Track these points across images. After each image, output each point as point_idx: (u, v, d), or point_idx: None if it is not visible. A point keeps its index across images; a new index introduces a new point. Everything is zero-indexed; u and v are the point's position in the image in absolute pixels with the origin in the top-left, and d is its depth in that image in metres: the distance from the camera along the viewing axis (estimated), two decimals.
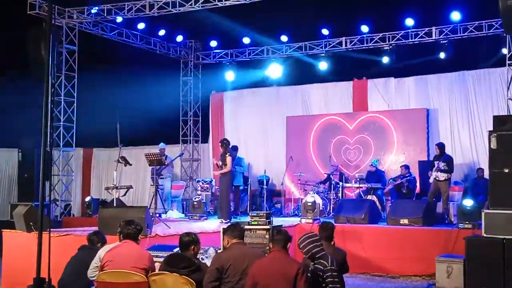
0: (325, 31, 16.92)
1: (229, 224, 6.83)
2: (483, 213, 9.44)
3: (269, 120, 18.32)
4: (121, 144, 14.74)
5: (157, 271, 6.34)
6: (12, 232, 10.78)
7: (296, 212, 14.79)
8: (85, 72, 16.40)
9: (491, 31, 14.83)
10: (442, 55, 15.44)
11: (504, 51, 13.23)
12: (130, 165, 14.57)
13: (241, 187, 15.29)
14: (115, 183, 13.34)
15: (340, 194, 14.60)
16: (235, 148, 14.64)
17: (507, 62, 12.58)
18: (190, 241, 6.52)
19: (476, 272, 9.16)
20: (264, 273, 5.68)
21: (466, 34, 15.24)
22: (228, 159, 12.90)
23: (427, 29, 15.70)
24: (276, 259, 5.82)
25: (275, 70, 17.67)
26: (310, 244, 6.06)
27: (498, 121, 9.80)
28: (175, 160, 15.47)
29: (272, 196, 16.56)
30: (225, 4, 14.24)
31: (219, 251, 6.76)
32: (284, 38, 17.49)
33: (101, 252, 6.79)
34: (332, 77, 17.35)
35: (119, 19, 15.83)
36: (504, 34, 12.95)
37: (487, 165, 9.98)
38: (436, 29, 15.57)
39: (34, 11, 14.67)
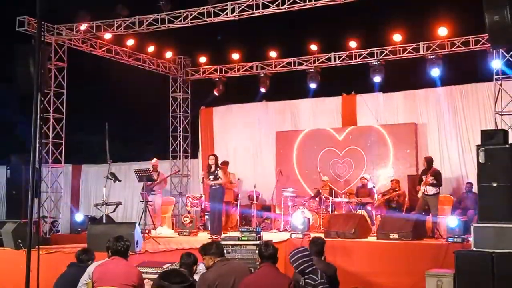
0: (313, 47, 17.01)
1: (206, 243, 6.75)
2: (472, 227, 9.48)
3: (258, 135, 18.36)
4: (110, 160, 14.68)
5: None
6: (0, 250, 10.71)
7: (286, 227, 14.77)
8: (74, 89, 16.38)
9: (478, 46, 14.97)
10: (430, 70, 15.51)
11: (491, 65, 13.33)
12: (119, 181, 14.53)
13: (232, 202, 15.28)
14: (104, 200, 13.30)
15: (330, 209, 14.59)
16: (225, 163, 14.64)
17: (494, 76, 12.66)
18: (194, 261, 6.58)
19: (465, 286, 9.18)
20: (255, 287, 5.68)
21: (453, 49, 15.36)
22: (221, 172, 12.94)
23: (414, 44, 15.81)
24: (266, 274, 5.82)
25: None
26: (301, 259, 6.07)
27: (486, 135, 9.88)
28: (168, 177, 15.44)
29: (262, 211, 16.53)
30: (214, 20, 14.30)
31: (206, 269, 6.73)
32: (273, 53, 17.57)
33: (90, 269, 6.75)
34: (321, 92, 17.41)
35: (108, 36, 15.85)
36: (491, 49, 13.06)
37: (476, 179, 10.02)
38: (423, 44, 15.69)
39: (22, 28, 14.67)
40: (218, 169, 13.01)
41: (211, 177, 13.00)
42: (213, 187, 13.02)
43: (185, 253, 6.78)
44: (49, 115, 15.80)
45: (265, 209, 16.71)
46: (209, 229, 13.88)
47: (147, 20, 14.88)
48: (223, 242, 9.25)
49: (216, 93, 18.55)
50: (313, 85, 17.08)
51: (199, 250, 6.59)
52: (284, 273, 6.43)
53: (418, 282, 10.29)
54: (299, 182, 16.87)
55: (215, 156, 13.33)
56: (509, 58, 12.20)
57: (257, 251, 9.13)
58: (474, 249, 9.28)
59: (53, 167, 16.27)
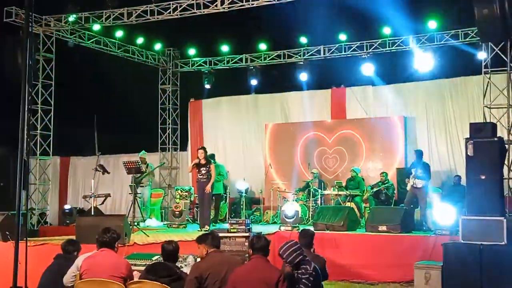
0: (303, 40, 17.01)
1: (204, 233, 6.80)
2: (460, 220, 9.52)
3: (247, 127, 18.34)
4: (99, 152, 14.63)
5: (136, 280, 6.30)
6: None
7: (275, 219, 14.79)
8: (62, 80, 16.28)
9: (467, 39, 15.02)
10: (418, 63, 15.53)
11: (480, 59, 13.39)
12: (108, 173, 14.48)
13: (222, 195, 15.25)
14: (92, 192, 13.25)
15: (319, 201, 14.62)
16: (212, 156, 14.63)
17: (483, 70, 12.72)
18: (174, 249, 6.55)
19: (453, 278, 9.23)
20: (245, 280, 5.67)
21: (442, 42, 15.41)
22: (213, 169, 12.92)
23: (404, 37, 15.84)
24: (257, 266, 5.81)
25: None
26: (293, 253, 6.05)
27: (475, 128, 9.91)
28: (155, 169, 15.41)
29: (251, 203, 16.55)
30: (203, 12, 14.24)
31: (198, 259, 6.74)
32: (262, 46, 17.54)
33: (79, 261, 6.71)
34: (311, 85, 17.41)
35: (96, 27, 15.75)
36: (480, 43, 13.11)
37: (464, 172, 10.07)
38: (413, 37, 15.72)
39: (10, 19, 14.55)
40: (209, 165, 12.98)
41: (202, 169, 12.95)
42: (202, 180, 13.00)
43: (165, 241, 6.75)
44: (37, 107, 15.73)
45: (254, 201, 16.74)
46: (198, 221, 13.88)
47: (136, 12, 14.81)
48: None
49: (208, 86, 18.51)
50: (302, 78, 17.10)
51: (196, 238, 6.59)
52: (274, 265, 6.42)
53: (407, 274, 10.36)
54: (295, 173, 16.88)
55: (204, 149, 13.29)
56: (498, 51, 12.25)
57: (246, 243, 9.20)
58: (462, 241, 9.33)
59: (41, 159, 16.20)
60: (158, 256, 7.70)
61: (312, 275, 5.96)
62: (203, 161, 12.99)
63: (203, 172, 12.93)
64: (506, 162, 10.33)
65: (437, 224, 11.41)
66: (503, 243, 9.02)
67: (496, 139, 9.64)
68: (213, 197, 14.10)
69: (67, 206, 17.02)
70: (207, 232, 6.89)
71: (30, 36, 5.80)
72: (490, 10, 10.57)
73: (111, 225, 7.59)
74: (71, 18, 15.23)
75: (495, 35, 11.15)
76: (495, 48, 12.29)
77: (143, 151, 15.64)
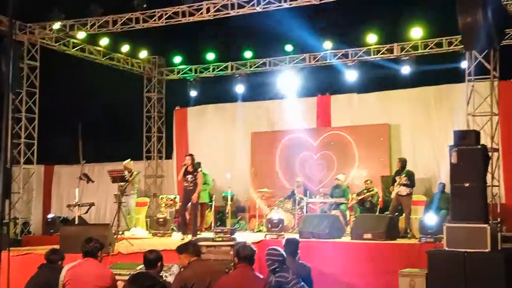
0: (289, 47, 17.05)
1: (184, 242, 6.77)
2: (444, 227, 9.56)
3: (233, 135, 18.30)
4: (83, 161, 14.53)
5: None
6: None
7: (260, 228, 14.76)
8: (47, 88, 16.19)
9: (451, 47, 15.15)
10: (403, 71, 15.66)
11: (463, 67, 13.47)
12: (93, 182, 14.41)
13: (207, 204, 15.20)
14: (76, 201, 13.17)
15: (304, 209, 14.61)
16: (198, 165, 14.60)
17: (467, 78, 12.78)
18: (156, 258, 6.48)
19: (438, 285, 9.25)
20: None
21: (426, 50, 15.53)
22: (200, 178, 12.89)
23: (388, 45, 15.93)
24: (242, 275, 5.81)
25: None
26: (269, 261, 6.16)
27: (459, 136, 9.96)
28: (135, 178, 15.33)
29: (236, 212, 16.51)
30: (189, 20, 14.25)
31: (182, 269, 6.71)
32: (248, 54, 17.55)
33: (64, 271, 6.67)
34: (296, 92, 17.43)
35: (81, 35, 15.68)
36: (464, 51, 13.19)
37: (449, 179, 10.11)
38: (397, 45, 15.82)
39: None
40: (196, 173, 12.95)
41: (188, 177, 12.92)
42: (188, 188, 12.97)
43: (147, 250, 6.72)
44: (21, 115, 15.62)
45: (239, 210, 16.70)
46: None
47: (121, 19, 14.78)
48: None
49: (194, 94, 18.49)
50: (288, 86, 17.11)
51: (176, 248, 6.56)
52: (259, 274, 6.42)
53: (392, 282, 10.35)
54: (279, 181, 16.86)
55: (192, 156, 13.28)
56: (481, 59, 12.33)
57: (231, 252, 9.19)
58: (447, 248, 9.35)
59: (25, 168, 16.07)
60: (143, 266, 7.67)
61: (294, 278, 6.00)
62: (190, 168, 12.97)
63: (190, 179, 12.92)
64: (489, 169, 10.37)
65: (421, 232, 11.45)
66: (487, 250, 9.06)
67: (479, 146, 9.70)
68: (199, 206, 14.05)
69: (50, 215, 16.87)
70: (187, 241, 6.84)
71: (13, 44, 5.77)
72: (474, 19, 10.62)
73: (95, 235, 7.56)
74: (56, 25, 15.16)
75: (479, 43, 11.19)
76: (478, 56, 12.34)
77: (128, 160, 15.56)
